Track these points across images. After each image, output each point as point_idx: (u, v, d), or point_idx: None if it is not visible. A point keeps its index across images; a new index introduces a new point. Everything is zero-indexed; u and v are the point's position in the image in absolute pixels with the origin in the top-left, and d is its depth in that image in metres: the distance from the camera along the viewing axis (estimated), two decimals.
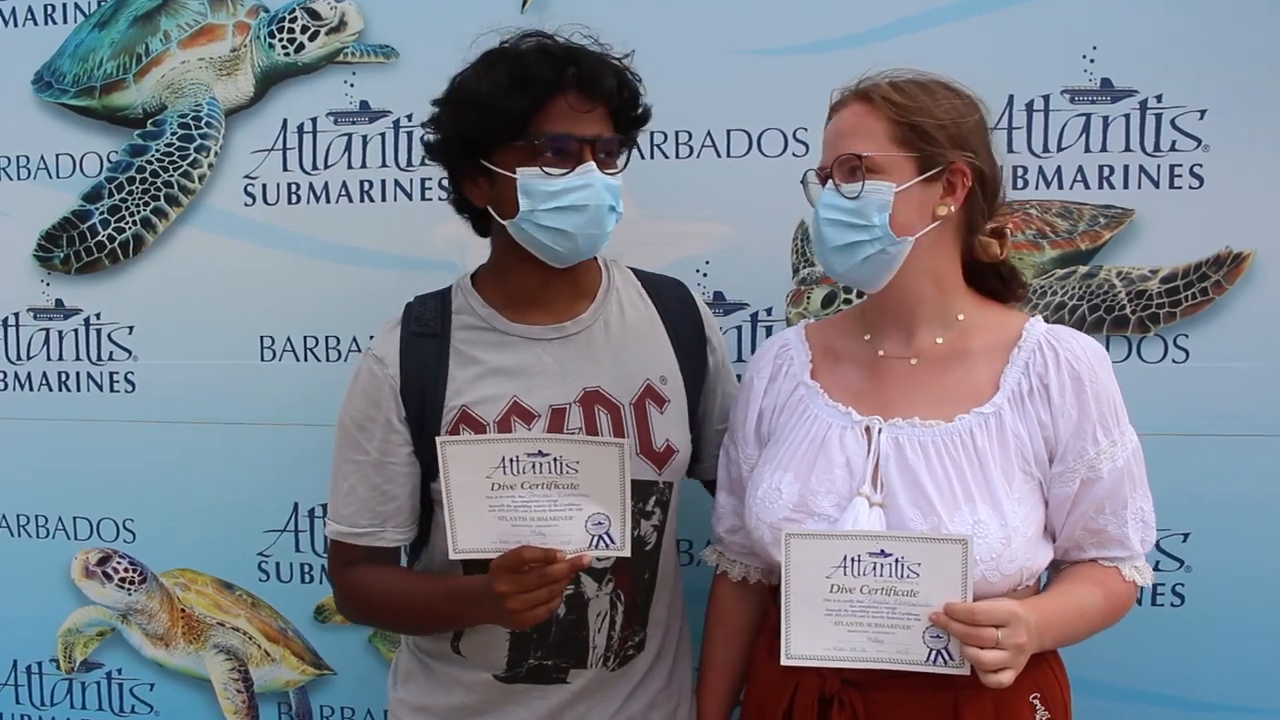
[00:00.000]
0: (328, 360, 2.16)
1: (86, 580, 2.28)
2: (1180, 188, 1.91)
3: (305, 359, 2.17)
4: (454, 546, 1.43)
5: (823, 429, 1.52)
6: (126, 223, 2.18)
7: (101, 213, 2.19)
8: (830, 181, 1.47)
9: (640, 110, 1.61)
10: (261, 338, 2.17)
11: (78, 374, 2.25)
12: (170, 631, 2.27)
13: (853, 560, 1.34)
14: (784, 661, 1.37)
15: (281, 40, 2.10)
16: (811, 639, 1.36)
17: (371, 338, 2.08)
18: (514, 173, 1.52)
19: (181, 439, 2.20)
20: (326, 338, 2.16)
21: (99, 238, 2.19)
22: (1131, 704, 1.98)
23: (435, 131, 1.60)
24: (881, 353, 1.54)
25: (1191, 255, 1.91)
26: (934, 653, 1.33)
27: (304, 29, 2.09)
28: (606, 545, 1.42)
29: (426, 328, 1.63)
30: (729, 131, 2.00)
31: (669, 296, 1.75)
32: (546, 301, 1.63)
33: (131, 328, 2.22)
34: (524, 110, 1.50)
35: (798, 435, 1.53)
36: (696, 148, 2.01)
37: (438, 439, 1.42)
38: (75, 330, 2.24)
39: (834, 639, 1.36)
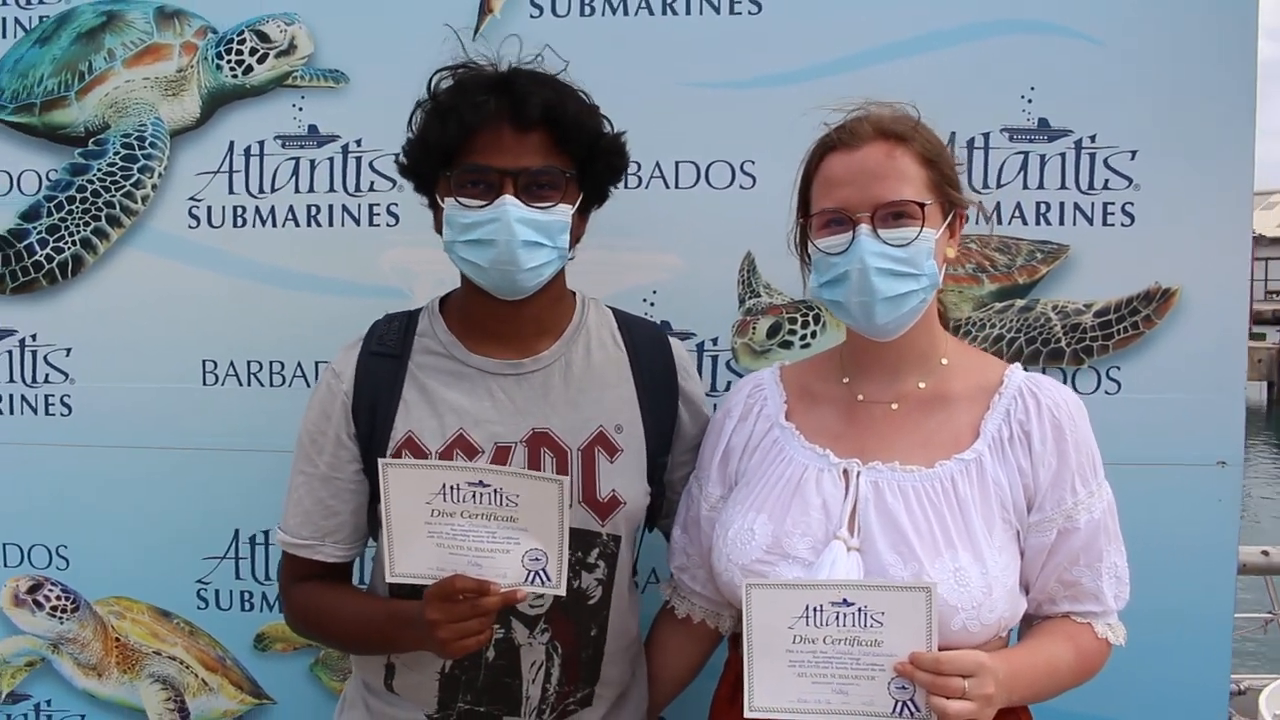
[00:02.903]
0: (271, 385, 2.14)
1: (16, 609, 2.22)
2: (1113, 225, 1.98)
3: (248, 383, 2.15)
4: (391, 570, 1.43)
5: (799, 471, 1.49)
6: (66, 243, 2.15)
7: (39, 232, 2.15)
8: (867, 227, 1.41)
9: (591, 133, 1.57)
10: (204, 361, 2.15)
11: (11, 396, 2.20)
12: (104, 661, 2.22)
13: (815, 610, 1.32)
14: (747, 714, 1.35)
15: (230, 62, 2.09)
16: (775, 691, 1.34)
17: (317, 364, 2.09)
18: (443, 203, 1.54)
19: (119, 463, 2.17)
20: (270, 362, 2.14)
21: (36, 257, 2.15)
22: None
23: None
24: (861, 396, 1.53)
25: (1123, 290, 1.98)
26: (900, 704, 1.31)
27: (253, 51, 2.08)
28: (542, 582, 1.42)
29: (386, 348, 1.63)
30: (677, 163, 2.04)
31: (643, 342, 1.71)
32: (506, 335, 1.62)
33: (69, 350, 2.18)
34: (449, 142, 1.51)
35: (772, 476, 1.51)
36: (645, 178, 2.04)
37: (380, 460, 1.43)
38: (9, 351, 2.19)
39: (798, 690, 1.33)
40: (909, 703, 1.31)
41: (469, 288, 1.61)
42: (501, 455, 1.58)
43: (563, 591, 1.42)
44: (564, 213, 1.54)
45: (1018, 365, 1.53)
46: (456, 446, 1.58)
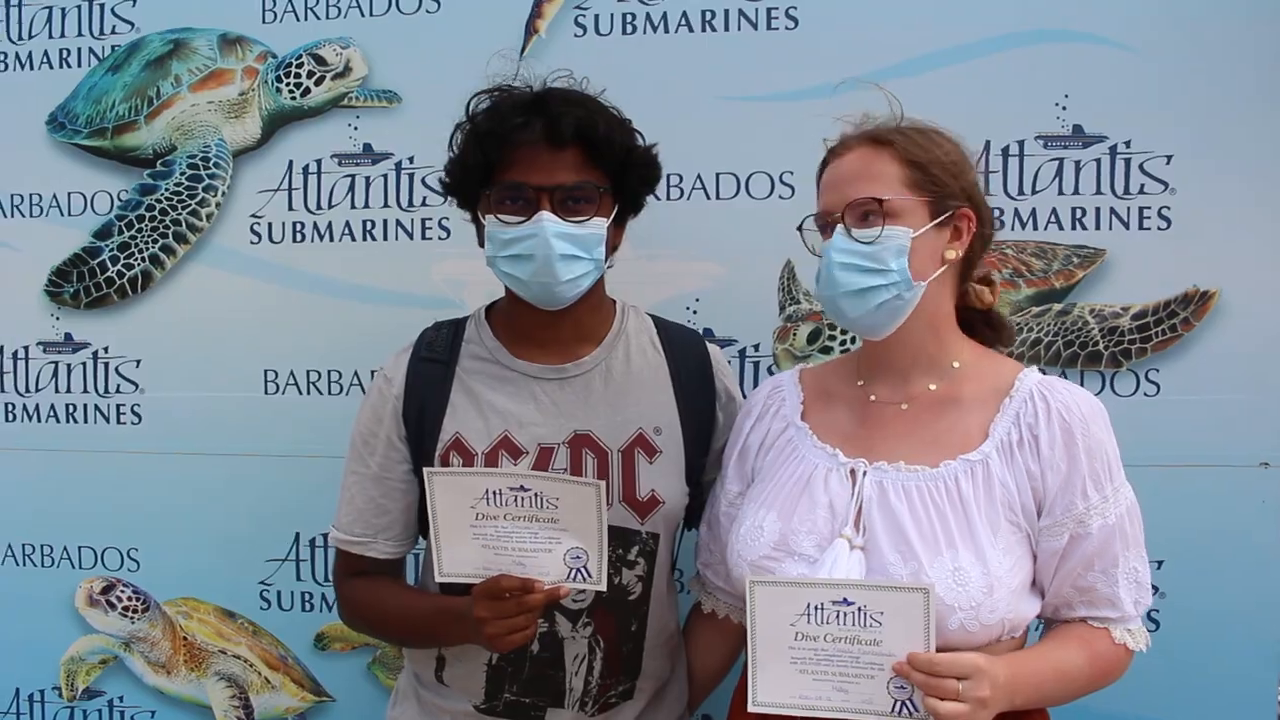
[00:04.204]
0: (329, 394, 2.22)
1: (90, 609, 2.32)
2: (1149, 228, 1.99)
3: (308, 392, 2.22)
4: (439, 570, 1.50)
5: (808, 469, 1.51)
6: (135, 259, 2.24)
7: (111, 249, 2.25)
8: (840, 226, 1.44)
9: (623, 148, 1.61)
10: (265, 371, 2.23)
11: (85, 406, 2.30)
12: (172, 659, 2.31)
13: (816, 608, 1.33)
14: (750, 708, 1.37)
15: (288, 85, 2.18)
16: (778, 686, 1.35)
17: (373, 372, 2.16)
18: (484, 220, 1.61)
19: (186, 470, 2.25)
20: (329, 371, 2.22)
21: (108, 274, 2.26)
22: None
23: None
24: (873, 397, 1.54)
25: (1161, 293, 1.99)
26: (899, 703, 1.32)
27: (310, 74, 2.17)
28: (583, 579, 1.47)
29: (435, 354, 1.70)
30: (718, 174, 2.09)
31: (681, 348, 1.75)
32: (548, 341, 1.68)
33: (139, 361, 2.28)
34: (487, 161, 1.57)
35: (784, 475, 1.54)
36: (687, 190, 2.09)
37: (425, 469, 1.48)
38: (84, 363, 2.29)
39: (800, 687, 1.34)
40: (908, 702, 1.31)
41: (512, 297, 1.68)
42: (545, 456, 1.64)
43: (604, 587, 1.47)
44: (599, 226, 1.59)
45: (1034, 368, 1.52)
46: (502, 448, 1.64)
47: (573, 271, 1.58)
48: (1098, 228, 2.00)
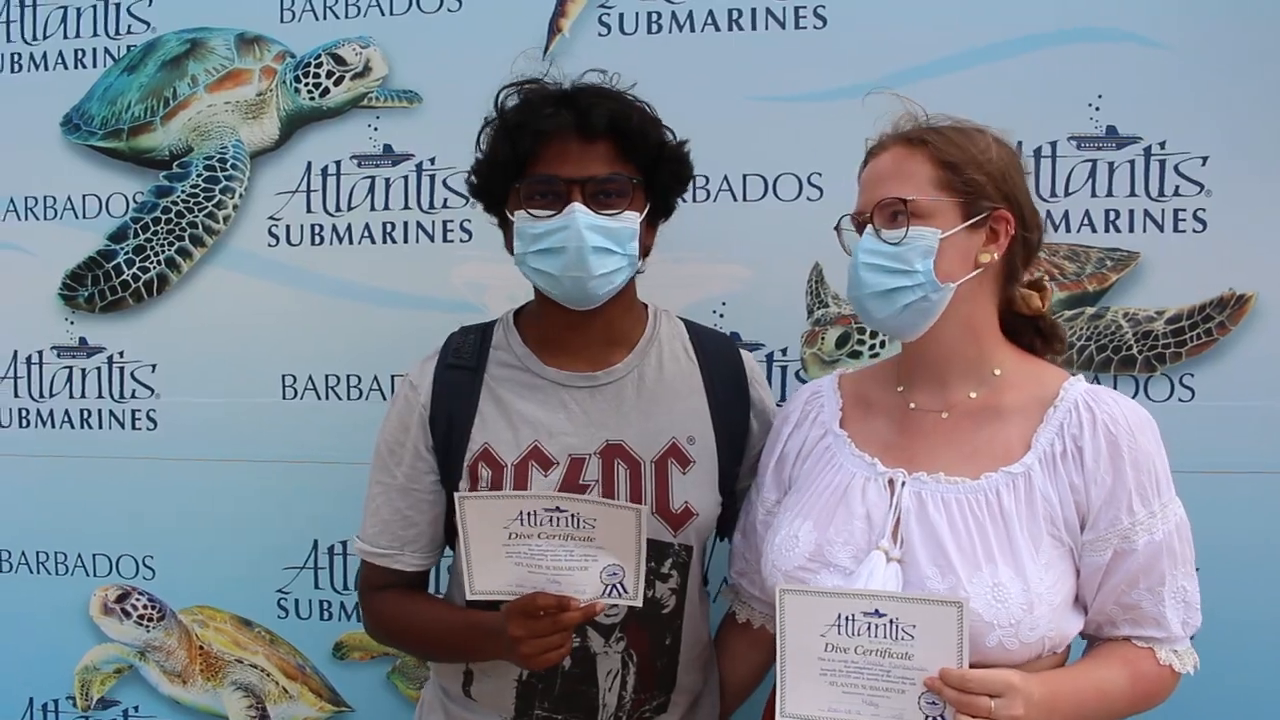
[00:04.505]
0: (348, 399, 2.18)
1: (105, 617, 2.29)
2: (1184, 231, 1.96)
3: (326, 397, 2.19)
4: (470, 589, 1.46)
5: (846, 479, 1.48)
6: (151, 262, 2.21)
7: (126, 252, 2.22)
8: (870, 226, 1.43)
9: (655, 142, 1.58)
10: (283, 376, 2.20)
11: (100, 411, 2.27)
12: (188, 668, 2.28)
13: (847, 619, 1.30)
14: (778, 719, 1.34)
15: (307, 85, 2.15)
16: (807, 698, 1.33)
17: (393, 377, 2.14)
18: (513, 216, 1.57)
19: (202, 476, 2.22)
20: (348, 376, 2.19)
21: (123, 277, 2.23)
22: None
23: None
24: (913, 405, 1.50)
25: (1195, 297, 1.96)
26: (930, 719, 1.29)
27: (329, 74, 2.14)
28: (619, 594, 1.43)
29: (462, 360, 1.66)
30: (745, 176, 2.05)
31: (714, 354, 1.71)
32: (579, 347, 1.64)
33: (154, 366, 2.25)
34: (517, 156, 1.54)
35: (821, 483, 1.50)
36: (713, 191, 2.06)
37: (456, 495, 1.44)
38: (98, 368, 2.26)
39: (829, 699, 1.32)
40: (939, 718, 1.29)
41: (541, 300, 1.64)
42: (576, 467, 1.60)
43: (640, 603, 1.44)
44: (631, 220, 1.56)
45: (1080, 377, 1.47)
46: (532, 458, 1.60)
47: (605, 266, 1.54)
48: (1131, 230, 1.97)
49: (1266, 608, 1.97)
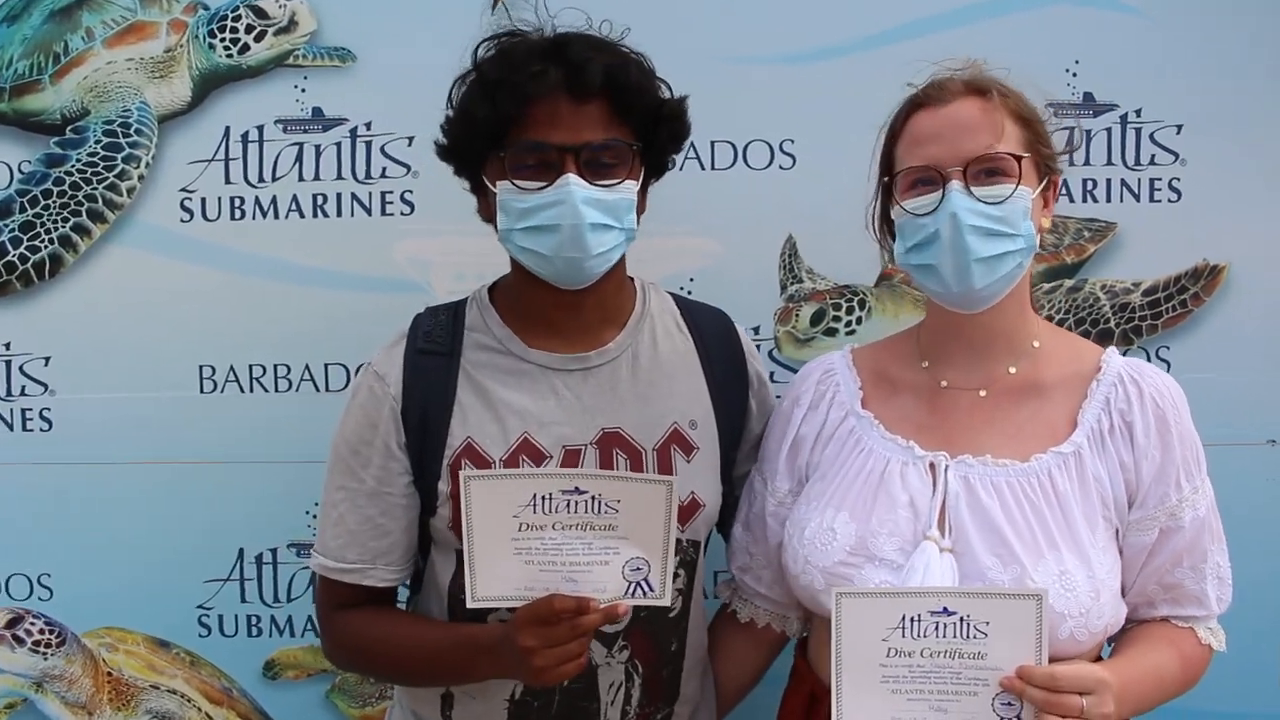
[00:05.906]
0: (276, 391, 2.00)
1: None
2: (1160, 201, 1.95)
3: (251, 390, 2.01)
4: (472, 594, 1.30)
5: (880, 464, 1.39)
6: (42, 241, 1.97)
7: (12, 230, 1.97)
8: (959, 184, 1.30)
9: (654, 101, 1.44)
10: (200, 367, 2.00)
11: None
12: (94, 699, 2.06)
13: (913, 620, 1.23)
14: None
15: (223, 40, 1.94)
16: (867, 709, 1.24)
17: (326, 366, 1.95)
18: (495, 187, 1.41)
19: (108, 482, 2.01)
20: (274, 366, 2.00)
21: (9, 258, 1.97)
22: None
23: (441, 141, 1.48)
24: (944, 383, 1.42)
25: (1171, 268, 1.96)
26: None
27: (249, 29, 1.93)
28: (644, 593, 1.31)
29: (435, 345, 1.49)
30: (713, 143, 1.95)
31: (709, 329, 1.59)
32: (566, 326, 1.49)
33: (48, 359, 2.01)
34: (499, 117, 1.37)
35: (850, 470, 1.41)
36: (680, 160, 1.91)
37: (461, 473, 1.30)
38: None
39: (892, 708, 1.24)
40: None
41: (523, 276, 1.47)
42: (571, 459, 1.45)
43: (668, 602, 1.32)
44: (630, 190, 1.41)
45: (1114, 349, 1.43)
46: (522, 452, 1.45)
47: (604, 244, 1.40)
48: (1108, 200, 1.95)
49: (1240, 577, 1.96)
